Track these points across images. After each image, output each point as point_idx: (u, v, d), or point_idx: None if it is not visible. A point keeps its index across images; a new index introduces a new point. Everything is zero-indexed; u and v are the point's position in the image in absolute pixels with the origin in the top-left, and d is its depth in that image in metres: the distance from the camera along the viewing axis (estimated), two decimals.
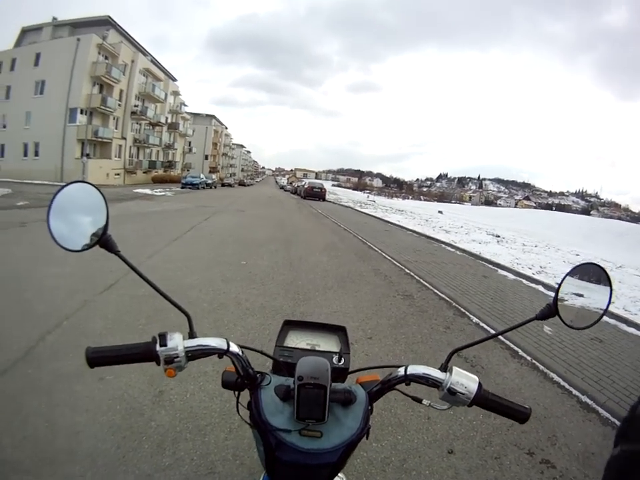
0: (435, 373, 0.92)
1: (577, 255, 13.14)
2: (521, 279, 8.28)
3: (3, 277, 5.17)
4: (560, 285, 0.91)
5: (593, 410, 3.41)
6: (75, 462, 2.29)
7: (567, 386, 3.82)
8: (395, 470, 2.60)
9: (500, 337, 4.77)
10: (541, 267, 9.64)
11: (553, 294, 0.89)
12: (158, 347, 0.85)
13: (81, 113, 32.33)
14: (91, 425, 2.63)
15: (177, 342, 0.86)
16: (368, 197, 61.50)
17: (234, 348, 0.92)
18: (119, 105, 36.72)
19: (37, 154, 31.79)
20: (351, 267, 8.24)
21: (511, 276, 8.57)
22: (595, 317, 0.93)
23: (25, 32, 35.44)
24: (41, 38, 33.91)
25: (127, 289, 5.16)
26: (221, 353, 0.91)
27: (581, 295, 0.97)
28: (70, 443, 2.43)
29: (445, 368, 0.93)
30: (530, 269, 9.31)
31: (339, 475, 1.01)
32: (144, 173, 42.42)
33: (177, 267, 6.76)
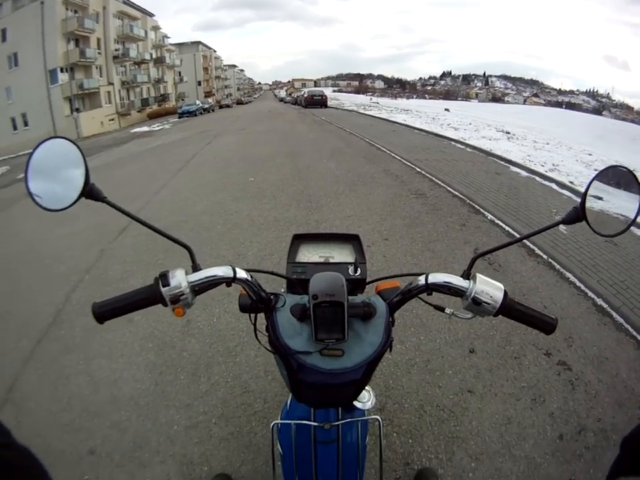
0: (458, 281, 0.87)
1: (590, 154, 12.75)
2: (534, 176, 8.02)
3: (20, 250, 5.04)
4: (587, 188, 0.84)
5: (607, 314, 3.36)
6: (120, 409, 2.40)
7: (582, 287, 3.77)
8: (420, 371, 2.66)
9: (516, 233, 4.75)
10: (553, 165, 9.35)
11: (566, 192, 0.73)
12: (161, 288, 0.80)
13: (62, 71, 31.61)
14: (127, 369, 2.73)
15: (180, 279, 0.81)
16: (371, 99, 59.67)
17: (241, 274, 0.87)
18: (99, 53, 35.95)
19: (26, 124, 31.22)
20: (361, 170, 8.06)
21: (523, 173, 8.31)
22: (623, 225, 0.88)
23: None
24: (2, 14, 31.87)
25: (140, 228, 5.01)
26: (228, 281, 0.86)
27: (606, 202, 0.84)
28: (112, 392, 2.53)
29: (467, 275, 0.88)
30: (542, 166, 9.01)
31: (366, 387, 1.03)
32: (138, 112, 42.22)
33: (186, 197, 6.68)
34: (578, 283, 3.83)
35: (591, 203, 0.85)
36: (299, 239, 1.21)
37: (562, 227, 4.97)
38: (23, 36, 30.15)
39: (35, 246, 5.06)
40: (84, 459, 2.11)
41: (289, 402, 1.15)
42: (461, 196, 6.30)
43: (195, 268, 0.85)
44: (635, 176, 0.85)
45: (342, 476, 1.05)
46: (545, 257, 4.32)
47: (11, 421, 2.24)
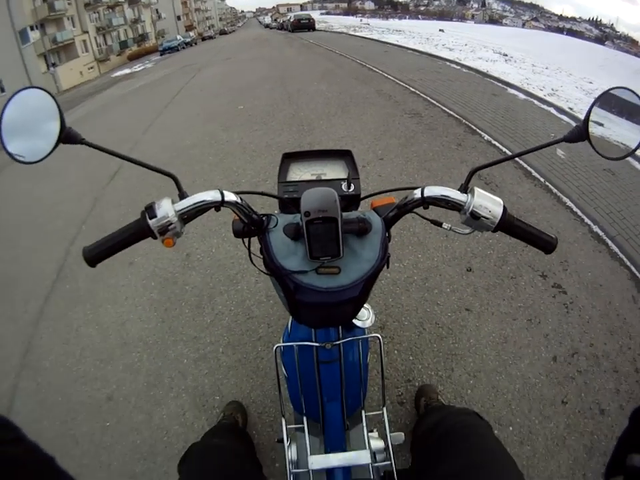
0: (455, 194, 0.83)
1: (591, 82, 12.34)
2: (532, 100, 7.76)
3: (15, 213, 4.85)
4: (590, 107, 0.78)
5: (603, 241, 3.33)
6: (130, 351, 2.46)
7: (579, 212, 3.71)
8: (418, 289, 2.67)
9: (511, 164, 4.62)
10: (552, 90, 9.08)
11: (565, 117, 0.62)
12: (148, 220, 0.75)
13: (32, 29, 30.33)
14: (133, 311, 2.78)
15: (167, 208, 0.76)
16: (361, 20, 57.44)
17: (230, 197, 0.82)
18: (69, 3, 34.24)
19: (2, 90, 29.12)
20: (353, 91, 7.80)
21: (521, 95, 8.04)
22: (625, 151, 0.83)
23: None
24: None
25: (130, 171, 4.95)
26: (217, 205, 0.81)
27: (609, 127, 0.73)
28: (121, 335, 2.59)
29: (465, 189, 0.83)
30: (541, 90, 8.73)
31: (365, 305, 1.03)
32: (117, 55, 41.12)
33: (175, 132, 6.49)
34: (575, 208, 3.76)
35: (592, 129, 0.78)
36: (289, 158, 1.18)
37: (560, 152, 4.88)
38: None
39: (30, 208, 4.92)
40: (103, 405, 2.18)
41: (289, 324, 1.18)
42: (456, 116, 6.11)
43: (182, 196, 0.80)
44: None
45: (345, 394, 1.07)
46: (542, 179, 4.22)
47: (31, 384, 2.36)
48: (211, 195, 0.80)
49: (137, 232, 0.77)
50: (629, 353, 2.30)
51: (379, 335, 1.08)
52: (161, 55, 35.43)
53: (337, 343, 1.01)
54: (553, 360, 2.23)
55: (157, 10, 58.48)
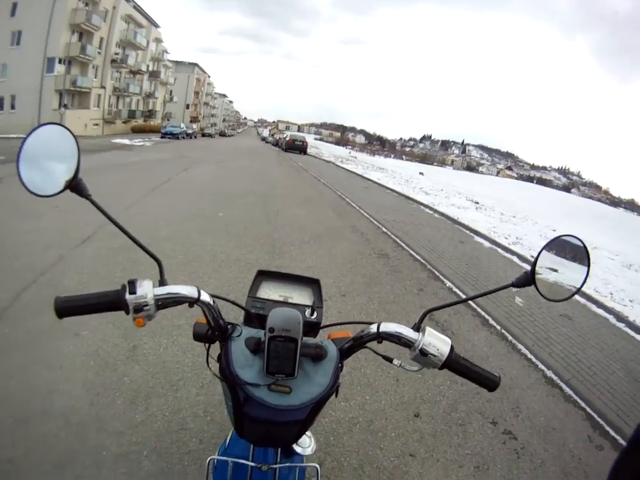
0: (408, 332, 0.88)
1: (554, 230, 13.17)
2: (496, 248, 8.31)
3: None
4: (539, 254, 0.89)
5: (557, 385, 3.46)
6: (49, 421, 2.28)
7: (533, 359, 3.85)
8: (362, 430, 2.62)
9: (472, 302, 4.81)
10: (517, 238, 9.69)
11: (527, 265, 0.81)
12: (127, 295, 0.78)
13: (59, 62, 30.83)
14: (65, 383, 2.61)
15: (147, 289, 0.79)
16: (350, 152, 61.12)
17: (205, 297, 0.87)
18: (99, 53, 35.13)
19: (13, 107, 30.11)
20: (328, 222, 8.17)
21: (487, 244, 8.59)
22: (570, 292, 0.92)
23: None
24: None
25: (102, 241, 5.02)
26: (192, 301, 0.85)
27: (556, 270, 0.93)
28: (44, 403, 2.41)
29: (417, 328, 0.89)
30: (506, 238, 9.34)
31: (307, 433, 1.03)
32: (123, 122, 41.26)
33: (154, 219, 6.61)
34: (529, 355, 3.91)
35: (547, 275, 0.91)
36: (262, 275, 1.26)
37: (518, 300, 5.13)
38: (32, 15, 29.12)
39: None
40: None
41: (228, 438, 1.14)
42: (422, 260, 6.43)
43: (162, 282, 0.85)
44: (583, 244, 0.93)
45: None
46: (498, 327, 4.41)
47: None
48: (189, 291, 0.84)
49: (114, 302, 0.79)
50: None
51: (317, 465, 1.05)
52: (162, 137, 36.11)
53: (275, 466, 0.99)
54: None
55: (171, 91, 59.61)
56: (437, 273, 5.93)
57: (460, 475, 2.38)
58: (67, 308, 0.80)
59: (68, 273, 4.10)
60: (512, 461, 2.53)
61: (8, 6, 29.91)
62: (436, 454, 2.51)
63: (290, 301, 1.16)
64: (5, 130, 25.68)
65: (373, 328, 0.91)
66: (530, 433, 2.80)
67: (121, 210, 6.79)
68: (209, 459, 1.02)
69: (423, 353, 0.85)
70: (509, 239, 9.34)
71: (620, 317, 5.57)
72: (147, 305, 0.79)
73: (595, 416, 3.17)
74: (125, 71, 41.23)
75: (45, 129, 0.78)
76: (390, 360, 0.94)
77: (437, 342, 0.85)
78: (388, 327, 0.90)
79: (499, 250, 8.18)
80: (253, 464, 0.97)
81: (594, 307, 5.86)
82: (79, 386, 2.61)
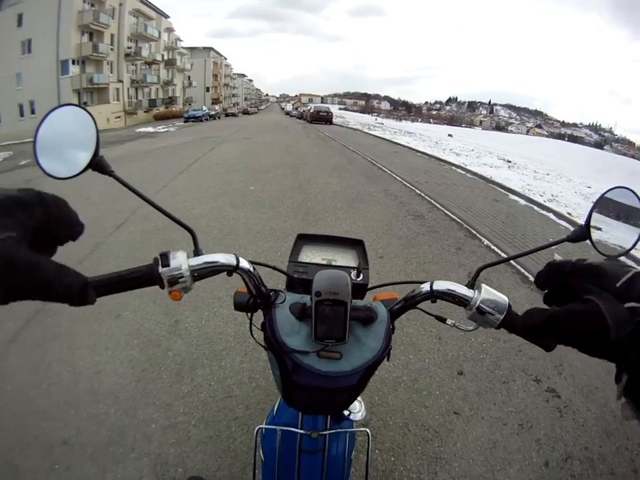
0: (463, 290, 0.81)
1: (589, 187, 12.84)
2: (532, 206, 8.08)
3: None
4: (593, 207, 0.80)
5: None
6: (98, 401, 2.37)
7: None
8: (407, 389, 2.62)
9: (512, 261, 4.69)
10: (552, 195, 9.43)
11: (564, 223, 0.73)
12: (160, 269, 0.73)
13: (73, 63, 31.37)
14: (110, 363, 2.70)
15: (181, 261, 0.74)
16: (376, 119, 59.98)
17: (244, 264, 0.81)
18: (112, 49, 35.64)
19: (33, 112, 30.62)
20: (361, 187, 8.07)
21: (522, 201, 8.37)
22: (627, 245, 0.81)
23: None
24: None
25: (136, 225, 5.14)
26: (230, 269, 0.79)
27: (610, 224, 0.83)
28: (92, 384, 2.50)
29: (472, 285, 0.82)
30: (541, 196, 9.08)
31: (357, 398, 0.98)
32: (145, 112, 41.89)
33: (185, 199, 6.67)
34: None
35: (599, 229, 0.84)
36: (303, 239, 1.20)
37: (557, 256, 4.98)
38: (39, 23, 29.58)
39: None
40: (56, 447, 2.05)
41: (276, 407, 1.12)
42: (458, 220, 6.32)
43: (197, 253, 0.80)
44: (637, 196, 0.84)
45: None
46: None
47: None
48: (226, 258, 0.79)
49: (146, 276, 0.74)
50: (626, 454, 2.24)
51: (368, 430, 1.04)
52: (185, 121, 36.62)
53: (325, 432, 0.97)
54: (544, 465, 2.15)
55: (189, 77, 60.03)
56: (473, 231, 5.83)
57: (504, 432, 2.35)
58: (99, 287, 0.74)
59: (105, 259, 4.22)
60: (555, 419, 2.48)
61: (14, 18, 30.70)
62: (480, 412, 2.50)
63: (334, 263, 1.11)
64: (29, 135, 26.13)
65: (426, 287, 0.83)
66: (573, 391, 2.74)
67: (151, 194, 6.74)
68: (257, 428, 1.02)
69: (481, 312, 0.78)
70: (544, 197, 9.08)
71: None
72: (182, 277, 0.74)
73: None
74: (140, 63, 41.88)
75: (58, 111, 0.74)
76: (443, 320, 0.87)
77: (494, 299, 0.77)
78: (441, 285, 0.82)
79: (535, 207, 7.95)
80: (302, 431, 0.96)
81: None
82: (125, 364, 2.70)
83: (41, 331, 3.00)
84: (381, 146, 17.47)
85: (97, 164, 0.71)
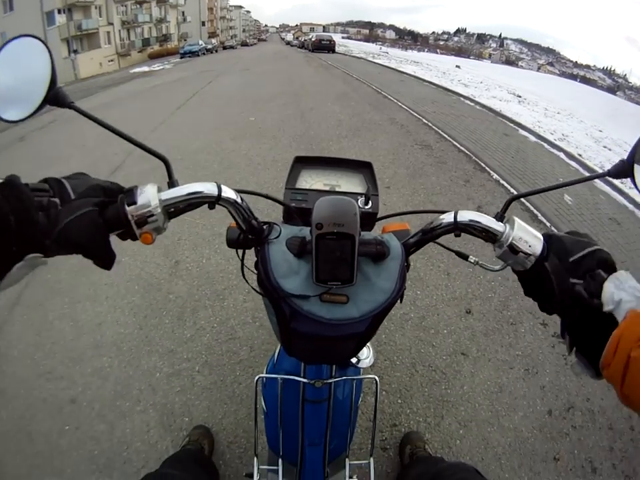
0: (492, 223, 0.68)
1: (601, 130, 12.44)
2: (542, 143, 7.78)
3: None
4: (639, 142, 0.66)
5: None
6: (102, 354, 2.36)
7: None
8: (414, 327, 2.58)
9: (522, 199, 4.53)
10: (563, 135, 9.10)
11: (574, 163, 0.54)
12: (126, 207, 0.59)
13: (59, 12, 30.27)
14: (112, 313, 2.67)
15: (150, 196, 0.61)
16: (380, 48, 58.11)
17: (228, 193, 0.66)
18: None
19: None
20: (366, 116, 7.78)
21: (532, 138, 8.04)
22: None
23: None
24: None
25: (132, 167, 4.95)
26: (211, 201, 0.65)
27: None
28: (95, 336, 2.48)
29: (501, 218, 0.69)
30: (552, 134, 8.74)
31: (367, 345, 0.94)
32: (139, 52, 41.11)
33: (183, 134, 6.44)
34: None
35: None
36: (301, 163, 1.03)
37: (567, 198, 4.83)
38: None
39: None
40: (64, 407, 2.06)
41: (276, 353, 1.06)
42: (467, 152, 6.08)
43: (172, 185, 0.66)
44: None
45: (331, 437, 0.95)
46: (547, 224, 4.19)
47: None
48: (206, 187, 0.65)
49: (111, 220, 0.60)
50: (625, 409, 2.17)
51: (376, 377, 0.97)
52: (181, 57, 35.48)
53: (329, 381, 0.90)
54: (547, 414, 2.15)
55: (183, 12, 58.46)
56: (482, 164, 5.60)
57: (510, 376, 2.33)
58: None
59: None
60: (560, 366, 2.43)
61: None
62: (487, 353, 2.46)
63: (338, 189, 0.98)
64: None
65: (448, 217, 0.70)
66: None
67: (148, 132, 6.65)
68: (256, 377, 0.96)
69: (513, 250, 0.65)
70: (555, 135, 8.74)
71: None
72: (151, 215, 0.60)
73: None
74: (130, 3, 40.56)
75: (6, 49, 0.64)
76: (465, 257, 0.76)
77: (528, 237, 0.65)
78: (466, 215, 0.68)
79: (545, 145, 7.67)
80: (305, 380, 0.90)
81: None
82: (126, 312, 2.66)
83: (42, 289, 2.89)
84: (386, 74, 16.86)
85: (54, 97, 0.60)
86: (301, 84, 11.88)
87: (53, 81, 0.60)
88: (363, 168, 1.05)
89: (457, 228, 0.69)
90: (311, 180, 1.00)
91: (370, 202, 0.92)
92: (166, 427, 1.97)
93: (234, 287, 2.85)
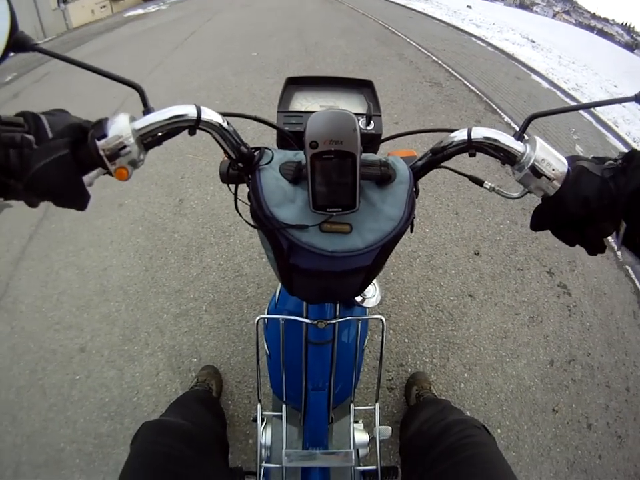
0: (511, 142, 0.59)
1: (615, 86, 12.05)
2: (555, 90, 7.52)
3: None
4: None
5: (612, 249, 3.13)
6: (109, 300, 2.33)
7: None
8: (422, 266, 2.52)
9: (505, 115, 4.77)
10: (577, 85, 8.79)
11: (587, 116, 0.41)
12: (96, 142, 0.51)
13: None
14: (117, 257, 2.62)
15: (121, 126, 0.52)
16: None
17: (209, 116, 0.58)
18: None
19: None
20: (373, 51, 7.42)
21: (545, 84, 7.76)
22: None
23: None
24: None
25: (131, 108, 4.57)
26: (190, 125, 0.57)
27: None
28: (101, 282, 2.44)
29: (520, 137, 0.60)
30: (565, 83, 8.43)
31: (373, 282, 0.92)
32: None
33: (182, 73, 6.10)
34: None
35: None
36: (295, 84, 0.94)
37: (579, 149, 4.69)
38: None
39: None
40: (74, 357, 2.07)
41: (277, 292, 1.03)
42: (478, 92, 5.83)
43: (147, 112, 0.57)
44: None
45: (335, 381, 0.93)
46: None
47: (5, 328, 2.22)
48: (183, 110, 0.56)
49: (82, 157, 0.53)
50: (622, 369, 2.21)
51: (382, 317, 0.91)
52: None
53: (334, 321, 0.84)
54: (549, 364, 2.13)
55: None
56: (494, 105, 5.37)
57: (515, 322, 2.31)
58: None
59: None
60: (564, 317, 2.41)
61: None
62: (494, 297, 2.42)
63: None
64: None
65: (461, 134, 0.61)
66: (583, 291, 2.61)
67: (145, 75, 6.28)
68: (257, 318, 0.91)
69: (536, 173, 0.57)
70: (568, 84, 8.42)
71: None
72: (124, 147, 0.52)
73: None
74: None
75: None
76: (480, 182, 0.69)
77: (551, 159, 0.57)
78: (481, 132, 0.60)
79: (558, 93, 7.42)
80: (307, 320, 0.85)
81: None
82: (131, 255, 2.62)
83: (46, 240, 2.80)
84: (393, 10, 16.12)
85: (17, 42, 0.54)
86: (305, 18, 11.37)
87: (14, 26, 0.54)
88: (363, 87, 0.95)
89: (472, 146, 0.61)
90: (305, 102, 0.91)
91: (372, 122, 0.82)
92: (174, 369, 1.97)
93: (240, 222, 2.76)
